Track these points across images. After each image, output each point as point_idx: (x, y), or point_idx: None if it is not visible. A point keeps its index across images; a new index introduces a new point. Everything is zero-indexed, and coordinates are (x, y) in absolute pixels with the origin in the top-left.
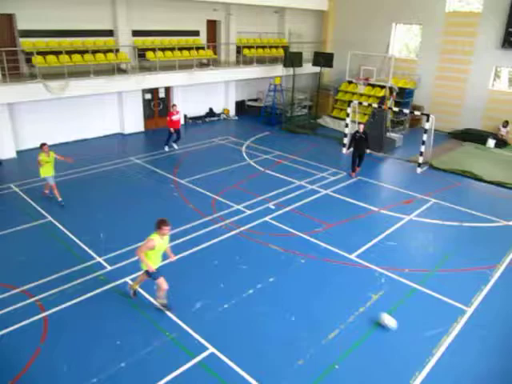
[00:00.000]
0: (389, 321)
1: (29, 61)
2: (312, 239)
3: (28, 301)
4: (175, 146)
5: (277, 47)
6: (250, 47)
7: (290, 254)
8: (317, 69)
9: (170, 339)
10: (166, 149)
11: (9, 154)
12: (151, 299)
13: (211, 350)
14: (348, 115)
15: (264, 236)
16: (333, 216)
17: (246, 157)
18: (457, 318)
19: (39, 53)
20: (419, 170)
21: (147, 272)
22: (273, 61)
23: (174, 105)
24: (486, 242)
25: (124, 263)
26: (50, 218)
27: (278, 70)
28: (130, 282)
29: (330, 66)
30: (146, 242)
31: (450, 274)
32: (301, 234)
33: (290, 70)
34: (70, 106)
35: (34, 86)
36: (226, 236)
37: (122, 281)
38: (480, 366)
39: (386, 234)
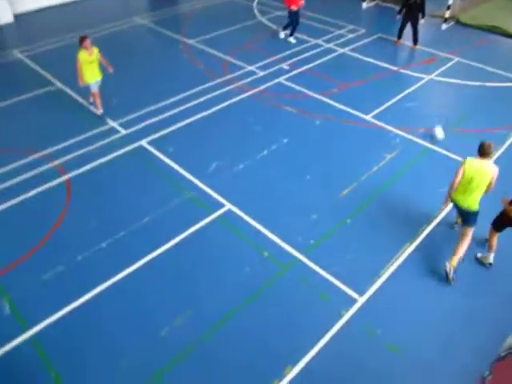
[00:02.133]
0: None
1: None
2: (327, 100)
3: (49, 165)
4: (292, 39)
5: None
6: None
7: (305, 116)
8: None
9: (190, 197)
10: (292, 40)
11: (5, 18)
12: (169, 161)
13: (228, 206)
14: None
15: (278, 97)
16: (349, 76)
17: (257, 13)
18: None
19: None
20: (445, 26)
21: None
22: None
23: None
24: (508, 102)
25: (138, 127)
26: (59, 85)
27: None
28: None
29: None
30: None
31: (467, 133)
32: (316, 95)
33: None
34: None
35: None
36: (239, 98)
37: (138, 144)
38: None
39: (404, 95)
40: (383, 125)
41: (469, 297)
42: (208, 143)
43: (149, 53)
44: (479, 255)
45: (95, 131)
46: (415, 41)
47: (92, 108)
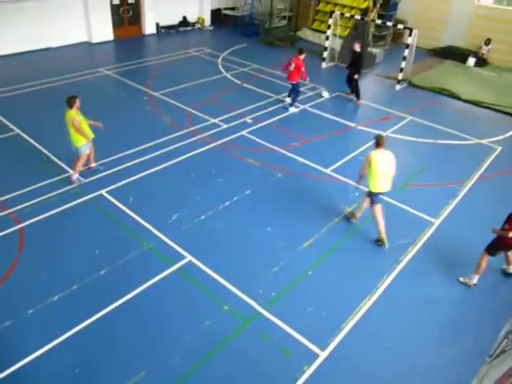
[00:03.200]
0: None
1: None
2: (289, 153)
3: (2, 213)
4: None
5: None
6: None
7: (267, 168)
8: None
9: (149, 248)
10: (293, 110)
11: None
12: (129, 212)
13: (189, 258)
14: (329, 27)
15: (241, 150)
16: (310, 131)
17: (222, 69)
18: (424, 229)
19: None
20: (398, 87)
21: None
22: None
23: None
24: (458, 158)
25: (98, 176)
26: (17, 131)
27: None
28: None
29: None
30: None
31: (421, 188)
32: (278, 149)
33: None
34: (30, 11)
35: None
36: (202, 149)
37: (98, 193)
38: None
39: (361, 149)
40: (342, 178)
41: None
42: (169, 194)
43: (113, 103)
44: (461, 279)
45: (54, 179)
46: (351, 90)
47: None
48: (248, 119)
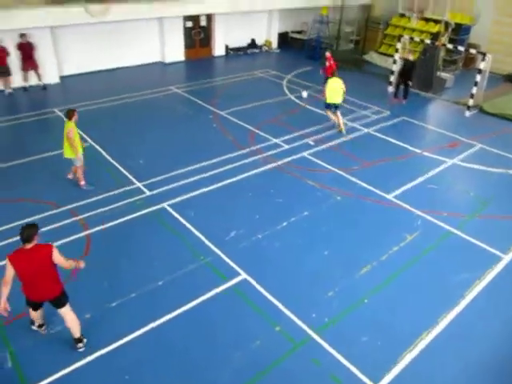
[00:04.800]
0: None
1: None
2: (350, 177)
3: (73, 219)
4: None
5: None
6: None
7: (327, 190)
8: (367, 0)
9: (205, 263)
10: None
11: (52, 79)
12: (189, 226)
13: (244, 276)
14: (397, 51)
15: (301, 171)
16: (372, 155)
17: (286, 91)
18: (492, 264)
19: None
20: (468, 113)
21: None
22: None
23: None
24: None
25: (162, 189)
26: (91, 143)
27: (326, 0)
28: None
29: None
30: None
31: (490, 220)
32: (338, 171)
33: (339, 1)
34: (111, 33)
35: (76, 9)
36: (262, 169)
37: (160, 206)
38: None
39: (426, 177)
40: (404, 205)
41: None
42: (229, 211)
43: (180, 119)
44: None
45: (121, 190)
46: (405, 96)
47: (81, 183)
48: (310, 141)
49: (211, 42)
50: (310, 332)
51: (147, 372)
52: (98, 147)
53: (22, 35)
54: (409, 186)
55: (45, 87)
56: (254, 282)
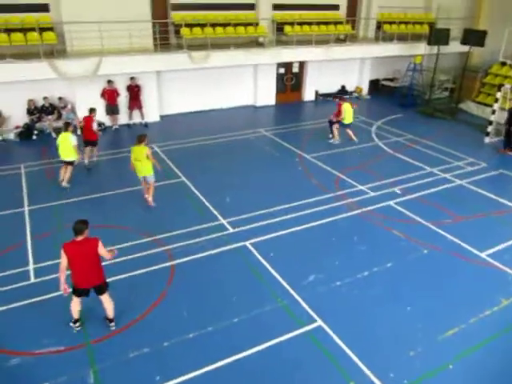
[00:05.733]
0: None
1: (177, 32)
2: (439, 230)
3: (160, 249)
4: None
5: (421, 23)
6: (391, 23)
7: (412, 242)
8: (465, 48)
9: (281, 305)
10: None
11: (154, 117)
12: (268, 266)
13: (319, 323)
14: (497, 101)
15: (386, 220)
16: (465, 209)
17: (375, 137)
18: None
19: (187, 25)
20: None
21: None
22: (415, 38)
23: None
24: None
25: (245, 227)
26: (183, 178)
27: (421, 49)
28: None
29: (482, 44)
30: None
31: None
32: (427, 223)
33: (434, 49)
34: (208, 77)
35: (180, 55)
36: (346, 215)
37: (242, 244)
38: None
39: None
40: (500, 265)
41: None
42: (309, 255)
43: (267, 161)
44: None
45: (206, 225)
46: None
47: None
48: (397, 190)
49: (302, 87)
50: None
51: None
52: (188, 182)
53: (132, 78)
54: (505, 244)
55: (146, 125)
56: (329, 331)
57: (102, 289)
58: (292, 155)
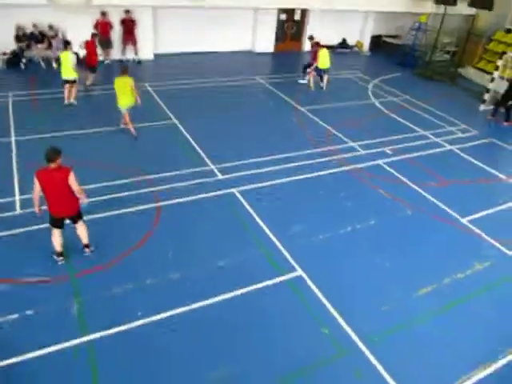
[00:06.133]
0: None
1: None
2: (424, 193)
3: (148, 189)
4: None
5: None
6: None
7: (397, 203)
8: (472, 11)
9: (264, 253)
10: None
11: (147, 55)
12: (254, 214)
13: (299, 272)
14: (497, 68)
15: (374, 179)
16: (452, 174)
17: (371, 95)
18: None
19: None
20: None
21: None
22: None
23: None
24: None
25: (234, 175)
26: (174, 120)
27: (427, 7)
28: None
29: (490, 8)
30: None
31: None
32: (413, 185)
33: (441, 8)
34: (207, 17)
35: None
36: (335, 170)
37: (230, 191)
38: None
39: (509, 205)
40: (479, 232)
41: None
42: (295, 207)
43: (261, 110)
44: None
45: (196, 169)
46: (508, 117)
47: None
48: (387, 149)
49: (302, 37)
50: (357, 341)
51: (193, 347)
52: (179, 124)
53: (127, 11)
54: (487, 212)
55: (140, 62)
56: (308, 281)
57: (77, 218)
58: (287, 106)
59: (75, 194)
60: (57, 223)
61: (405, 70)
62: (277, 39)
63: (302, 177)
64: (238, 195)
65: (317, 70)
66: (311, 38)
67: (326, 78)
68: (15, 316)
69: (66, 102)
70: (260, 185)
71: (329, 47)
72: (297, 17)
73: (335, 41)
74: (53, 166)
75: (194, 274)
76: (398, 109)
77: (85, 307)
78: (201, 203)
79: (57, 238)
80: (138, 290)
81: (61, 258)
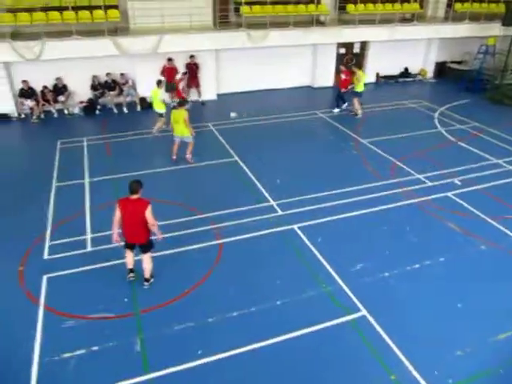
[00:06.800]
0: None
1: (237, 10)
2: (500, 226)
3: (209, 227)
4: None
5: (497, 2)
6: (463, 1)
7: (470, 237)
8: None
9: (326, 291)
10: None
11: (211, 96)
12: (315, 250)
13: (363, 312)
14: None
15: (442, 212)
16: None
17: (437, 124)
18: None
19: (247, 3)
20: None
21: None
22: (490, 18)
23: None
24: None
25: (294, 210)
26: (236, 158)
27: (494, 30)
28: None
29: None
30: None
31: None
32: (486, 218)
33: (510, 31)
34: (266, 56)
35: (239, 34)
36: (400, 204)
37: (290, 227)
38: None
39: None
40: None
41: None
42: (358, 242)
43: (321, 144)
44: None
45: (256, 206)
46: None
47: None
48: (457, 180)
49: (362, 69)
50: None
51: None
52: (240, 162)
53: (191, 56)
54: None
55: (203, 103)
56: (373, 322)
57: (144, 248)
58: (347, 139)
59: (149, 225)
60: (129, 246)
61: (472, 95)
62: (336, 72)
63: (365, 211)
64: (299, 231)
65: (355, 94)
66: (347, 62)
67: (358, 101)
68: (82, 351)
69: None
70: (321, 220)
71: (391, 77)
72: (356, 49)
73: (397, 70)
74: (134, 197)
75: (253, 313)
76: (466, 137)
77: (147, 344)
78: (261, 240)
79: (129, 258)
80: (199, 328)
81: (131, 274)
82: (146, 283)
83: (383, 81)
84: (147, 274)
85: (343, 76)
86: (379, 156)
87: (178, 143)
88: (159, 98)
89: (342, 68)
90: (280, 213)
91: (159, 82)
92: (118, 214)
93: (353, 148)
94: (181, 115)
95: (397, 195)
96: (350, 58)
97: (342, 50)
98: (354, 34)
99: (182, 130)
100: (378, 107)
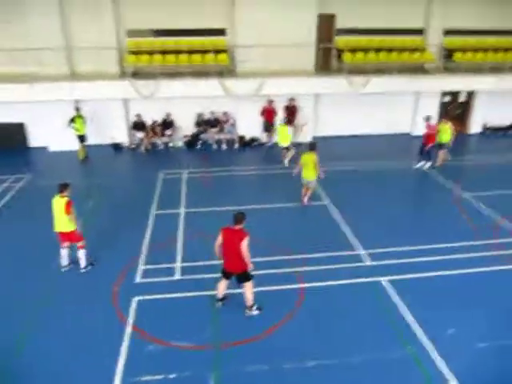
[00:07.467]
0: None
1: (339, 56)
2: None
3: (292, 269)
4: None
5: None
6: None
7: None
8: None
9: (410, 354)
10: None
11: (306, 138)
12: (402, 308)
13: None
14: None
15: None
16: None
17: None
18: None
19: (350, 50)
20: None
21: None
22: None
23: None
24: None
25: (383, 262)
26: (328, 202)
27: None
28: None
29: None
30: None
31: None
32: None
33: None
34: (365, 101)
35: (340, 80)
36: (502, 267)
37: (377, 279)
38: None
39: None
40: None
41: None
42: (453, 305)
43: (418, 194)
44: None
45: (343, 253)
46: None
47: None
48: None
49: (467, 118)
50: None
51: None
52: (332, 206)
53: (291, 99)
54: None
55: (300, 144)
56: None
57: (242, 277)
58: (447, 191)
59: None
60: (225, 275)
61: None
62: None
63: (461, 271)
64: (386, 284)
65: (440, 146)
66: (428, 118)
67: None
68: (160, 377)
69: (283, 160)
70: (412, 276)
71: (499, 129)
72: (462, 98)
73: (507, 121)
74: (236, 227)
75: (330, 366)
76: None
77: (220, 380)
78: (345, 289)
79: (221, 286)
80: (272, 373)
81: (220, 303)
82: (247, 311)
83: (489, 132)
84: (248, 302)
85: (428, 130)
86: (482, 212)
87: (306, 185)
88: (285, 134)
89: (429, 122)
90: (368, 263)
91: (289, 122)
92: (219, 239)
93: (453, 201)
94: (311, 158)
95: (498, 257)
96: (455, 107)
97: (447, 98)
98: (460, 83)
99: (311, 174)
100: (482, 159)
